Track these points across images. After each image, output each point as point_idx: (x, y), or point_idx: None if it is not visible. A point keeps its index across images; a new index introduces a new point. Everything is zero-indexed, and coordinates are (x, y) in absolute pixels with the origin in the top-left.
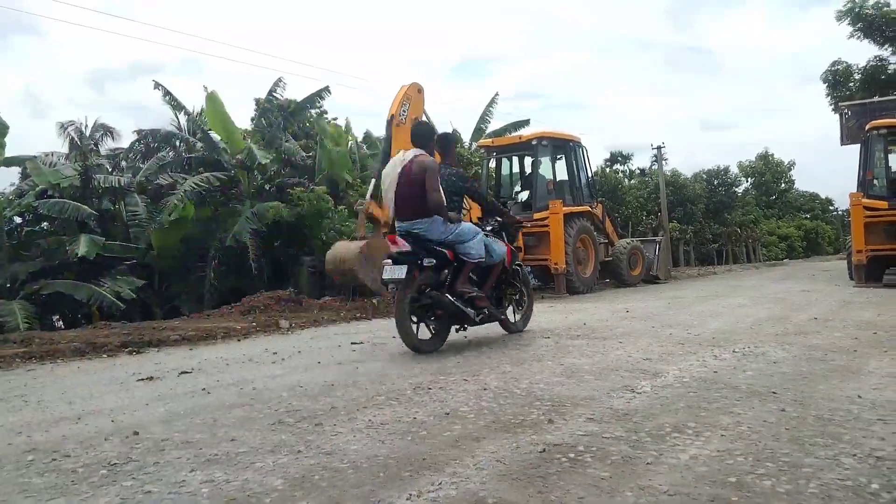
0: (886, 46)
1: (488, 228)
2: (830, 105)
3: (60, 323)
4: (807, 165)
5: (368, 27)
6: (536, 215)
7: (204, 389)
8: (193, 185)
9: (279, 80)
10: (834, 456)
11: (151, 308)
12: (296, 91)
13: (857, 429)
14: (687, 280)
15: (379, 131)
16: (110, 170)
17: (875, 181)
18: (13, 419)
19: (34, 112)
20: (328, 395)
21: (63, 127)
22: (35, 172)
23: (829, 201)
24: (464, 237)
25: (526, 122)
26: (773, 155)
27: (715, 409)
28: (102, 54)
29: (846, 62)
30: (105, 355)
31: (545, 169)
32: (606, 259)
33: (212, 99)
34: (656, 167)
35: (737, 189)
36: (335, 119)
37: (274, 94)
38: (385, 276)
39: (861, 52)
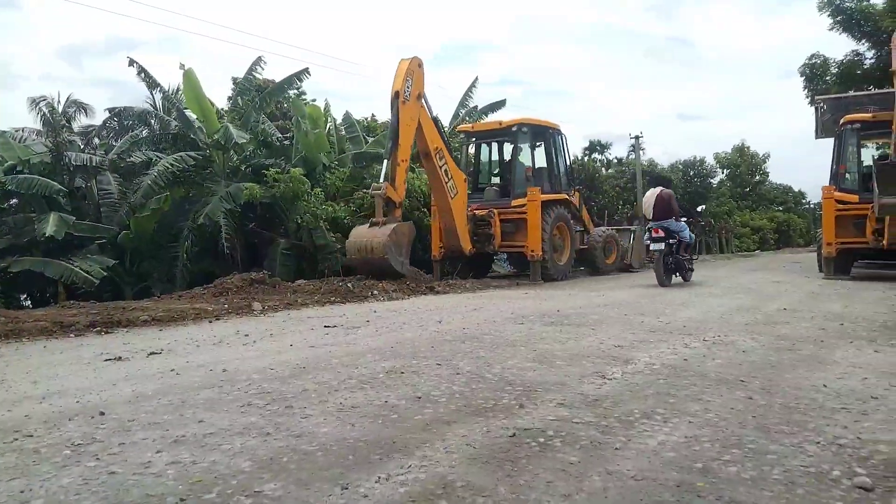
0: (863, 41)
1: (685, 222)
2: (807, 98)
3: (28, 302)
4: (782, 158)
5: (352, 7)
6: (514, 202)
7: (173, 370)
8: (167, 165)
9: (259, 59)
10: (798, 443)
11: (122, 287)
12: (276, 72)
13: (821, 417)
14: None
15: (358, 114)
16: (82, 147)
17: (847, 175)
18: None
19: (4, 85)
20: (299, 378)
21: (35, 102)
22: (4, 147)
23: (801, 194)
24: (683, 229)
25: (502, 104)
26: (748, 147)
27: (684, 396)
28: (79, 28)
29: (824, 56)
30: (72, 335)
31: (524, 156)
32: (582, 247)
33: (188, 76)
34: (634, 156)
35: (712, 180)
36: (313, 101)
37: (253, 73)
38: (652, 248)
39: (839, 47)
